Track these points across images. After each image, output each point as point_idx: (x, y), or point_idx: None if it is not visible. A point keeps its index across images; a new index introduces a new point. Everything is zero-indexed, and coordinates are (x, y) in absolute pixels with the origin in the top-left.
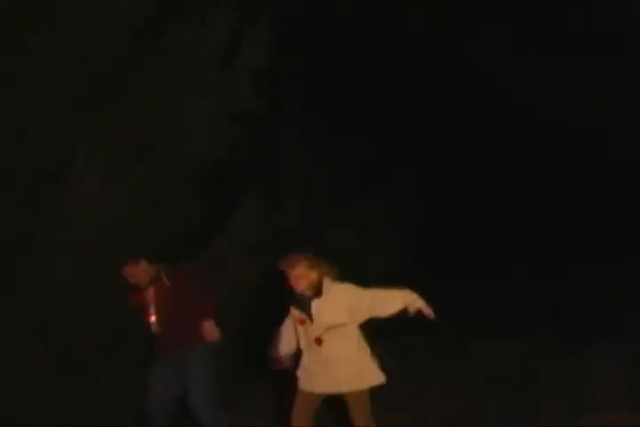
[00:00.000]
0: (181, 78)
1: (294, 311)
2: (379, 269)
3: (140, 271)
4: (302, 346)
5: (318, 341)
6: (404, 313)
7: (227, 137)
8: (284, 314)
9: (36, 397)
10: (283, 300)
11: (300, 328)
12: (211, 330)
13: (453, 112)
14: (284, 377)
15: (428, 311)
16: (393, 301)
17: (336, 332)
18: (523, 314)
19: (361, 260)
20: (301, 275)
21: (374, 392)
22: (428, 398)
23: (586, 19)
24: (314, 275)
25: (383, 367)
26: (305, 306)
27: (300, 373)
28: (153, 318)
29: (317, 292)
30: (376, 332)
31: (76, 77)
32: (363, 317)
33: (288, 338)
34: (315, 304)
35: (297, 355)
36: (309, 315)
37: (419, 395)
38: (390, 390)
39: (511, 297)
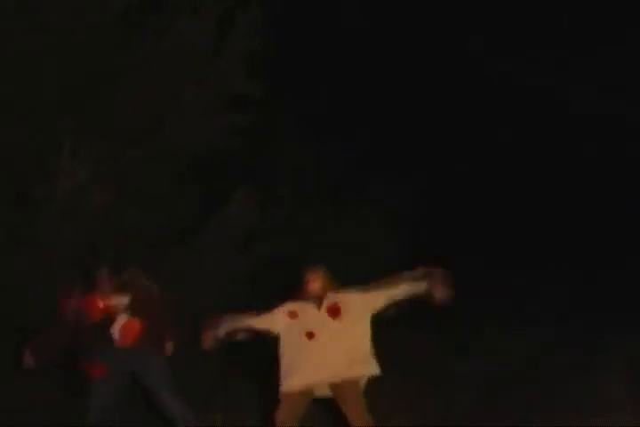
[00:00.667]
0: (173, 65)
1: (291, 305)
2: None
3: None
4: (285, 343)
5: (310, 335)
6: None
7: (220, 124)
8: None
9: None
10: (272, 293)
11: (289, 322)
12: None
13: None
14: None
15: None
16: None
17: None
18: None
19: (358, 253)
20: (319, 277)
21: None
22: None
23: None
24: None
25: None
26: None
27: (282, 375)
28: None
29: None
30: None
31: (63, 65)
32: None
33: (244, 325)
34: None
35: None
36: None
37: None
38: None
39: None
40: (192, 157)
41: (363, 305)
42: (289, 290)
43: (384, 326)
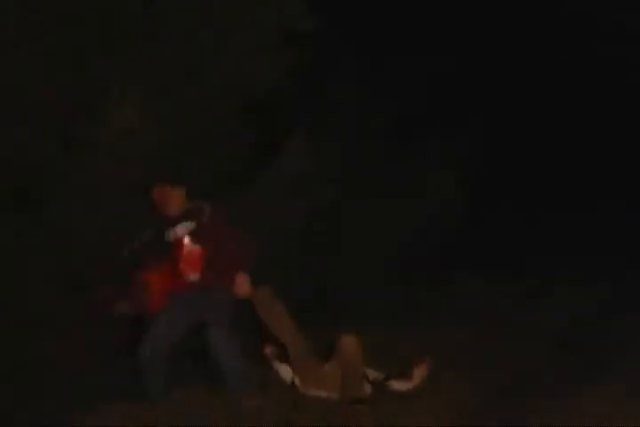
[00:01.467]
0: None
1: None
2: (434, 211)
3: (172, 197)
4: None
5: None
6: None
7: (275, 63)
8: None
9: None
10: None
11: None
12: (242, 285)
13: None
14: None
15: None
16: None
17: None
18: None
19: (414, 202)
20: None
21: None
22: None
23: None
24: None
25: None
26: None
27: None
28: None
29: None
30: None
31: (109, 3)
32: None
33: None
34: None
35: None
36: None
37: None
38: None
39: None
40: (246, 98)
41: None
42: (341, 238)
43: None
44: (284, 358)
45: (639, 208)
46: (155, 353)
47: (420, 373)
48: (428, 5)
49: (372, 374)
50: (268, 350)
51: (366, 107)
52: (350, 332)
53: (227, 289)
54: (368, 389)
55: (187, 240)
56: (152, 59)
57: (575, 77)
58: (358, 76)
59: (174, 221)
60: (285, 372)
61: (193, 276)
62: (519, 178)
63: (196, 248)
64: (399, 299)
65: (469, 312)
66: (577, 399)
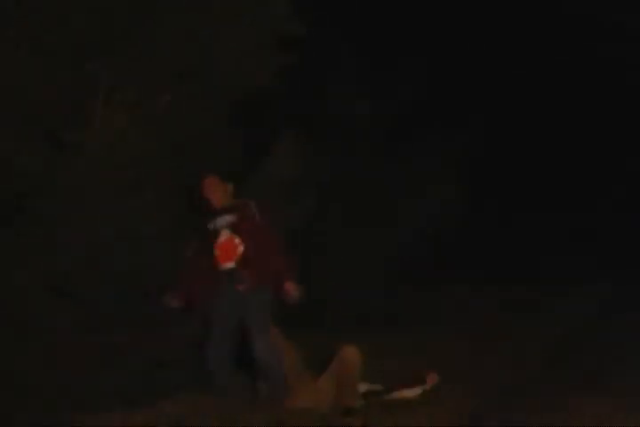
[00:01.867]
0: (216, 1)
1: None
2: (434, 211)
3: (220, 191)
4: None
5: None
6: None
7: (264, 64)
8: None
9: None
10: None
11: None
12: (293, 290)
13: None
14: None
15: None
16: None
17: None
18: None
19: (414, 202)
20: None
21: None
22: None
23: None
24: None
25: None
26: None
27: None
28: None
29: None
30: None
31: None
32: None
33: None
34: None
35: None
36: None
37: None
38: None
39: None
40: (235, 99)
41: None
42: (336, 241)
43: None
44: None
45: (639, 208)
46: (215, 351)
47: (431, 380)
48: (429, 5)
49: (364, 387)
50: None
51: (365, 107)
52: (351, 340)
53: (269, 290)
54: (360, 401)
55: (225, 230)
56: (139, 60)
57: (575, 77)
58: (357, 76)
59: (218, 213)
60: None
61: (228, 264)
62: (519, 178)
63: (233, 238)
64: (399, 299)
65: (469, 312)
66: (577, 399)
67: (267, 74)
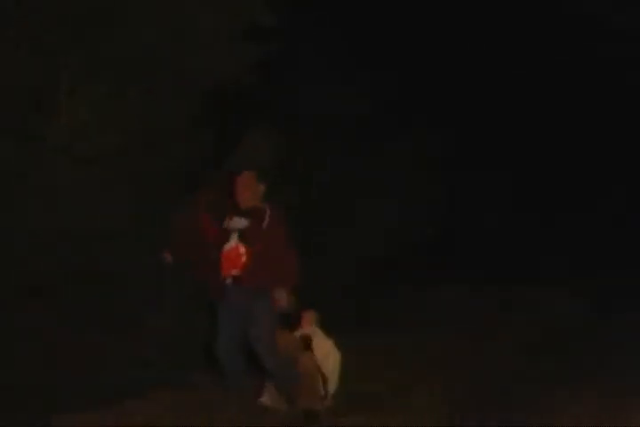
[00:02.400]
0: None
1: None
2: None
3: (249, 189)
4: None
5: None
6: None
7: (234, 57)
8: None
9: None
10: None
11: None
12: (282, 300)
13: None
14: None
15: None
16: None
17: None
18: None
19: (394, 202)
20: None
21: None
22: None
23: None
24: None
25: None
26: None
27: None
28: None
29: None
30: None
31: None
32: None
33: None
34: None
35: None
36: None
37: None
38: None
39: None
40: (205, 93)
41: None
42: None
43: None
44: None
45: (639, 208)
46: (224, 346)
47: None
48: (428, 5)
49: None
50: None
51: (337, 107)
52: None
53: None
54: (324, 402)
55: (234, 234)
56: (106, 55)
57: (575, 77)
58: (328, 75)
59: (237, 214)
60: None
61: (232, 272)
62: (520, 178)
63: (239, 247)
64: (399, 299)
65: (469, 312)
66: (577, 399)
67: (238, 65)
